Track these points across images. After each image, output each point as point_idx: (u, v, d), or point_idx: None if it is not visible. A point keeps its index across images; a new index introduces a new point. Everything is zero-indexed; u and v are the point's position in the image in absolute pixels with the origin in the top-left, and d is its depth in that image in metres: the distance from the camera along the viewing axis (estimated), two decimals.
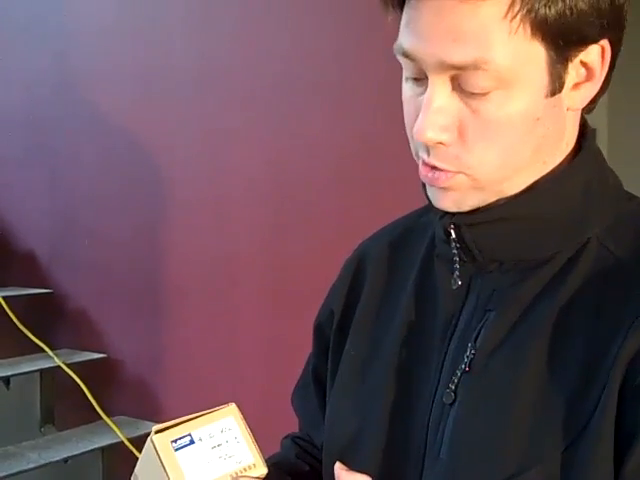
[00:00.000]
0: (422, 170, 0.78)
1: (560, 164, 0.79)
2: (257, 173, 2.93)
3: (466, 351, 0.79)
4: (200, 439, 0.82)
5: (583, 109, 0.79)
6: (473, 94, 0.72)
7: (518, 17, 0.70)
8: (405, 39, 0.75)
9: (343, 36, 2.72)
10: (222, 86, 3.01)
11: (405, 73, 0.78)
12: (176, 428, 0.82)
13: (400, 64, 0.78)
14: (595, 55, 0.74)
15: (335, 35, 2.75)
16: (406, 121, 0.79)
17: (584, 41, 0.73)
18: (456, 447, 0.77)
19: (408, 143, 0.81)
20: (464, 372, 0.79)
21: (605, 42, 0.74)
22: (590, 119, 0.84)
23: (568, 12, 0.70)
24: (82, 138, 3.44)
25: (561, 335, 0.75)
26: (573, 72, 0.74)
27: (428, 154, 0.76)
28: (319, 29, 2.78)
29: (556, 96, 0.74)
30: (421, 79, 0.75)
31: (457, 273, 0.82)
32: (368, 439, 0.85)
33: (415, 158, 0.80)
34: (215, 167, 3.05)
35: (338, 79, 2.74)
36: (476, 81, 0.71)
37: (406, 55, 0.75)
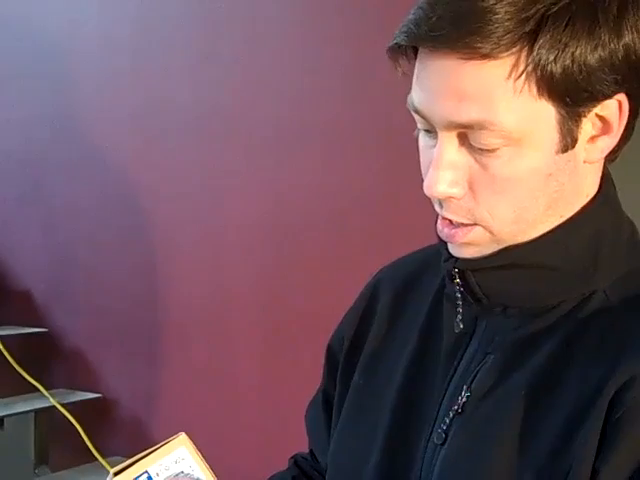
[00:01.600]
0: (440, 225, 0.78)
1: (576, 213, 0.77)
2: (254, 213, 2.93)
3: (461, 392, 0.79)
4: (157, 474, 0.84)
5: (606, 158, 0.77)
6: (481, 150, 0.72)
7: (523, 77, 0.68)
8: (415, 95, 0.74)
9: (342, 77, 2.75)
10: (221, 127, 3.03)
11: (418, 125, 0.78)
12: (132, 468, 0.84)
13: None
14: (612, 109, 0.72)
15: (334, 75, 2.77)
16: (422, 171, 0.78)
17: (596, 98, 0.71)
18: None
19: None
20: (457, 414, 0.78)
21: (622, 96, 0.72)
22: None
23: (576, 69, 0.68)
24: (79, 177, 3.45)
25: (551, 385, 0.74)
26: (588, 126, 0.73)
27: (442, 208, 0.76)
28: (318, 70, 2.81)
29: (569, 152, 0.72)
30: (433, 132, 0.75)
31: (460, 317, 0.82)
32: (369, 475, 0.85)
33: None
34: (213, 207, 3.06)
35: (336, 119, 2.76)
36: (483, 139, 0.71)
37: (416, 112, 0.75)
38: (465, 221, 0.75)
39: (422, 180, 0.76)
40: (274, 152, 2.89)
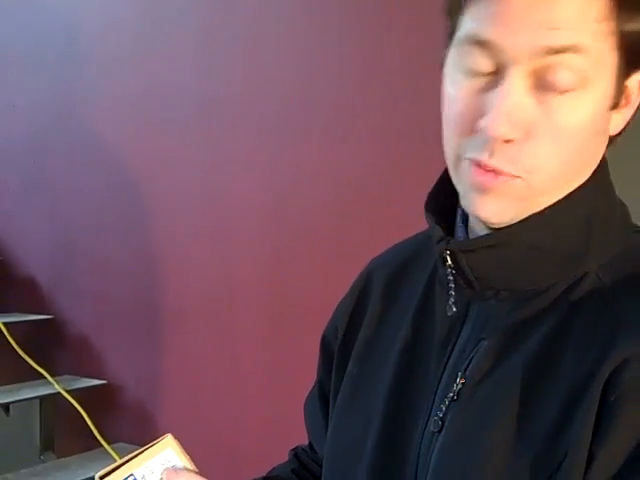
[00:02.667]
0: (474, 173, 0.74)
1: (569, 193, 0.77)
2: (256, 199, 2.94)
3: (456, 379, 0.79)
4: (143, 476, 0.84)
5: (611, 137, 0.78)
6: (552, 91, 0.70)
7: (606, 22, 0.69)
8: (487, 29, 0.71)
9: (344, 62, 2.74)
10: (222, 113, 3.03)
11: (469, 65, 0.73)
12: (118, 471, 0.84)
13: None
14: (635, 82, 0.74)
15: (336, 61, 2.77)
16: (455, 120, 0.75)
17: None
18: (438, 476, 0.77)
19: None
20: (452, 400, 0.78)
21: None
22: None
23: None
24: (82, 165, 3.46)
25: (547, 368, 0.74)
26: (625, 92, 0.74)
27: (490, 155, 0.72)
28: (320, 54, 2.80)
29: (612, 113, 0.74)
30: (490, 73, 0.72)
31: (452, 300, 0.81)
32: (364, 465, 0.85)
33: (453, 162, 0.77)
34: (216, 193, 3.06)
35: (338, 104, 2.75)
36: (562, 75, 0.69)
37: (485, 45, 0.71)
38: (511, 171, 0.72)
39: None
40: (278, 138, 2.89)
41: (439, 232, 0.82)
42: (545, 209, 0.75)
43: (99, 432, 3.22)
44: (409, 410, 0.83)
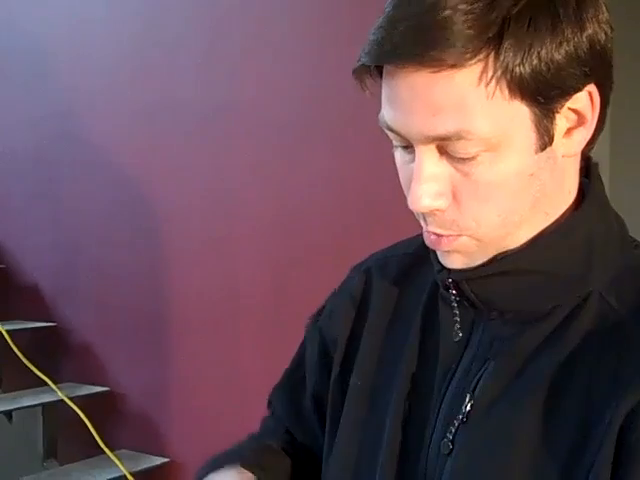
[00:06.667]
0: (426, 235, 0.77)
1: (564, 213, 0.77)
2: (261, 210, 2.94)
3: (464, 400, 0.78)
4: None
5: (583, 150, 0.77)
6: (462, 159, 0.71)
7: (493, 81, 0.68)
8: (387, 114, 0.74)
9: (349, 73, 2.75)
10: (227, 124, 3.04)
11: (393, 142, 0.77)
12: None
13: None
14: (584, 101, 0.72)
15: (341, 70, 2.77)
16: (403, 187, 0.77)
17: (567, 92, 0.70)
18: None
19: None
20: (462, 422, 0.78)
21: (592, 87, 0.72)
22: (592, 151, 0.81)
23: (544, 68, 0.68)
24: (86, 173, 3.47)
25: (558, 394, 0.73)
26: (562, 121, 0.72)
27: (427, 223, 0.75)
28: (326, 68, 2.81)
29: (547, 149, 0.72)
30: (409, 147, 0.74)
31: (458, 325, 0.81)
32: None
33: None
34: (220, 203, 3.07)
35: (343, 114, 2.76)
36: (462, 148, 0.70)
37: (390, 130, 0.74)
38: (450, 232, 0.74)
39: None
40: (282, 149, 2.90)
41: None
42: (548, 234, 0.76)
43: (102, 439, 3.22)
44: (415, 430, 0.82)
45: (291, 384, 1.06)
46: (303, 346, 1.06)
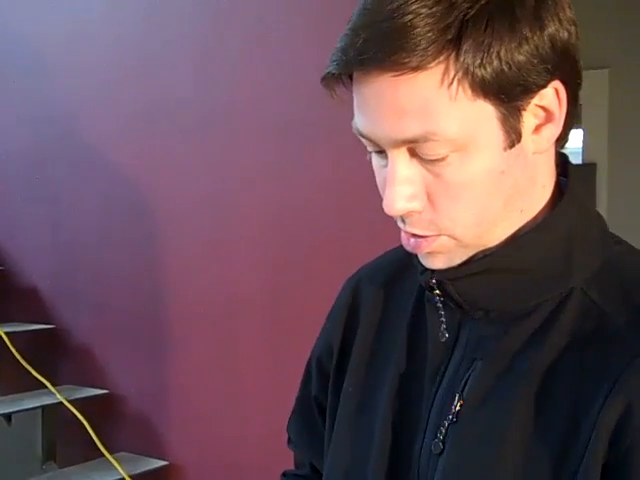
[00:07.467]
0: (404, 239, 0.79)
1: (542, 210, 0.78)
2: (259, 212, 2.94)
3: (453, 400, 0.79)
4: None
5: (556, 147, 0.78)
6: (431, 160, 0.72)
7: (455, 83, 0.69)
8: (358, 120, 0.76)
9: None
10: (226, 125, 3.03)
11: (367, 148, 0.78)
12: None
13: None
14: (550, 97, 0.73)
15: None
16: (380, 192, 0.78)
17: (531, 90, 0.71)
18: None
19: None
20: (452, 422, 0.79)
21: (557, 83, 0.73)
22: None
23: (505, 68, 0.69)
24: (85, 175, 3.46)
25: (546, 392, 0.74)
26: (530, 118, 0.73)
27: (405, 224, 0.77)
28: (322, 66, 2.80)
29: (516, 146, 0.73)
30: (383, 152, 0.76)
31: (444, 326, 0.82)
32: None
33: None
34: (218, 204, 3.06)
35: (342, 116, 2.75)
36: (430, 150, 0.71)
37: (362, 136, 0.76)
38: (429, 233, 0.76)
39: None
40: (281, 150, 2.89)
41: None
42: (527, 232, 0.77)
43: (101, 442, 3.22)
44: (406, 432, 0.83)
45: (302, 410, 1.07)
46: (308, 369, 1.06)
